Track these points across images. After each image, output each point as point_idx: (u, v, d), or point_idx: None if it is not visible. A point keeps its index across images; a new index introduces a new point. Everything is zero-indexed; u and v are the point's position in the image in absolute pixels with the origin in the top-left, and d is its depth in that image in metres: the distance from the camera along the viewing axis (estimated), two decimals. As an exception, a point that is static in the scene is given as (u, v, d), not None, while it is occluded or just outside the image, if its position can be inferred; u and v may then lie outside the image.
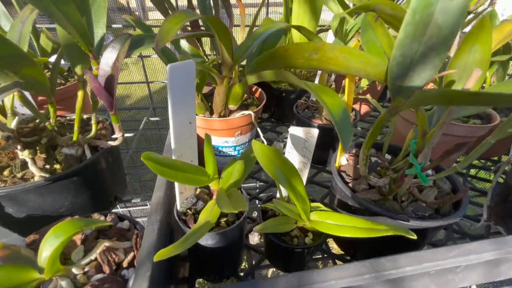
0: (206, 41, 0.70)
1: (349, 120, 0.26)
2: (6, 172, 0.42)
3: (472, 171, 0.77)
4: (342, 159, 0.47)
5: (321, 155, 0.65)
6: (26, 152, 0.42)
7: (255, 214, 0.96)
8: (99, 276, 0.30)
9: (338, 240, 0.48)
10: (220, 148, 0.57)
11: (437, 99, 0.19)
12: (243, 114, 0.52)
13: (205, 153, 0.34)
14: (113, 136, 0.50)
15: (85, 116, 0.57)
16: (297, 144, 0.41)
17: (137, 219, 0.40)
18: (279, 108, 0.83)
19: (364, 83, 0.62)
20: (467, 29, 0.65)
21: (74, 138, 0.46)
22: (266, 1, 0.85)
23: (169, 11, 0.65)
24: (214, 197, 0.37)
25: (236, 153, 0.59)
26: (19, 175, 0.42)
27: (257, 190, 0.61)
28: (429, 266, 0.30)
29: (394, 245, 0.39)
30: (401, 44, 0.23)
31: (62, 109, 0.66)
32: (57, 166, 0.44)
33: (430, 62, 0.23)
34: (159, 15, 0.67)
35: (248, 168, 0.40)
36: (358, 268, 0.28)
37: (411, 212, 0.37)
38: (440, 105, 0.26)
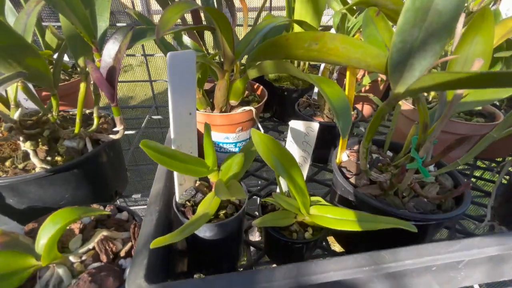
0: (209, 42, 0.70)
1: (348, 108, 0.25)
2: (7, 163, 0.42)
3: (477, 173, 0.76)
4: (343, 155, 0.47)
5: (322, 154, 0.65)
6: (28, 143, 0.42)
7: (256, 214, 0.96)
8: (96, 264, 0.30)
9: (338, 237, 0.48)
10: (220, 144, 0.57)
11: (443, 82, 0.19)
12: (244, 110, 0.52)
13: (205, 144, 0.34)
14: (114, 129, 0.51)
15: (87, 111, 0.58)
16: (297, 138, 0.41)
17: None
18: (281, 107, 0.83)
19: (366, 80, 0.62)
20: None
21: (76, 131, 0.46)
22: (269, 0, 0.86)
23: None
24: (213, 189, 0.37)
25: (237, 149, 0.58)
26: (20, 166, 0.42)
27: (258, 188, 0.61)
28: (430, 260, 0.29)
29: (395, 243, 0.39)
30: (401, 30, 0.23)
31: (65, 104, 0.66)
32: (59, 158, 0.44)
33: (431, 49, 0.23)
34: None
35: (248, 162, 0.40)
36: (357, 260, 0.28)
37: (412, 207, 0.37)
38: (443, 90, 0.26)
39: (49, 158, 0.44)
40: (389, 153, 0.49)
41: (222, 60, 0.47)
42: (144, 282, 0.25)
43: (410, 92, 0.23)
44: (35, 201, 0.43)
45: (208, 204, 0.34)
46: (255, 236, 0.54)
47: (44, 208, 0.44)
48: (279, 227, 0.40)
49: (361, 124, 0.87)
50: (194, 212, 0.36)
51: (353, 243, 0.45)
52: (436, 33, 0.22)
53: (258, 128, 0.58)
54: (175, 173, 0.36)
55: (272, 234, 0.38)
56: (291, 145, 0.42)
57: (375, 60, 0.28)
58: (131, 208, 0.40)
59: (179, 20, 0.61)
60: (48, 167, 0.42)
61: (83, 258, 0.31)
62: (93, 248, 0.32)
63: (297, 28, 0.65)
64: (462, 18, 0.29)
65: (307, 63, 0.76)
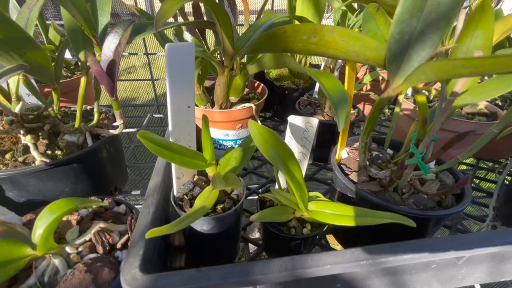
0: (211, 43, 0.70)
1: (346, 99, 0.25)
2: (8, 156, 0.42)
3: (481, 174, 0.75)
4: (342, 152, 0.47)
5: (322, 153, 0.65)
6: (28, 137, 0.43)
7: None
8: (92, 255, 0.30)
9: (338, 235, 0.48)
10: (220, 141, 0.57)
11: (443, 70, 0.18)
12: (243, 106, 0.52)
13: (203, 136, 0.34)
14: (114, 124, 0.51)
15: (89, 107, 0.58)
16: (296, 134, 0.41)
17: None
18: (281, 106, 0.83)
19: (367, 79, 0.62)
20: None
21: (76, 125, 0.46)
22: (271, 2, 0.87)
23: (178, 14, 0.66)
24: (211, 183, 0.36)
25: (236, 147, 0.58)
26: (20, 159, 0.42)
27: (257, 186, 0.61)
28: (429, 255, 0.29)
29: (395, 241, 0.38)
30: (399, 20, 0.23)
31: (67, 101, 0.67)
32: (58, 152, 0.45)
33: (429, 39, 0.23)
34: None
35: (246, 157, 0.40)
36: (355, 254, 0.28)
37: (412, 204, 0.36)
38: (442, 79, 0.25)
39: (49, 152, 0.44)
40: (390, 151, 0.49)
41: (221, 53, 0.47)
42: (139, 272, 0.25)
43: (408, 82, 0.23)
44: (34, 194, 0.43)
45: (206, 197, 0.34)
46: (255, 234, 0.54)
47: (43, 202, 0.44)
48: (277, 223, 0.39)
49: (362, 124, 0.87)
50: (191, 206, 0.36)
51: (353, 241, 0.45)
52: (434, 23, 0.22)
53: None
54: (173, 167, 0.36)
55: (270, 230, 0.38)
56: (290, 141, 0.41)
57: (374, 53, 0.28)
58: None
59: (181, 19, 0.61)
60: (48, 160, 0.42)
61: (80, 249, 0.31)
62: (90, 240, 0.32)
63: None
64: (462, 15, 0.29)
65: (308, 61, 0.76)
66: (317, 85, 0.70)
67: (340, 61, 0.63)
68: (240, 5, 0.74)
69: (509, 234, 0.31)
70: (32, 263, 0.28)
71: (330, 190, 0.51)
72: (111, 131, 0.49)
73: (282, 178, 0.45)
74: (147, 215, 0.32)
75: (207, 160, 0.35)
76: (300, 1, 0.60)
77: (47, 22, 0.69)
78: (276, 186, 0.45)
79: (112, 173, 0.53)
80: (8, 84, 0.43)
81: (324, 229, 0.52)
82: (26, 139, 0.43)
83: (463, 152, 0.37)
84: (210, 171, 0.37)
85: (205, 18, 0.56)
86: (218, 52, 0.62)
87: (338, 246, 0.52)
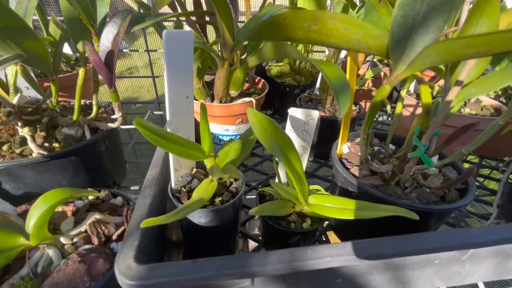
0: (212, 40, 0.70)
1: (348, 85, 0.25)
2: (5, 147, 0.42)
3: (485, 172, 0.74)
4: (344, 147, 0.46)
5: (323, 149, 0.64)
6: (26, 129, 0.42)
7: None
8: (87, 246, 0.29)
9: (338, 231, 0.47)
10: (220, 137, 0.57)
11: (449, 51, 0.18)
12: (244, 101, 0.51)
13: (201, 127, 0.33)
14: (113, 117, 0.50)
15: (88, 102, 0.57)
16: (296, 127, 0.40)
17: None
18: (282, 103, 0.83)
19: (369, 74, 0.61)
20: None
21: (74, 118, 0.46)
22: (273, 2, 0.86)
23: (178, 7, 0.66)
24: (209, 175, 0.36)
25: (236, 142, 0.58)
26: (17, 151, 0.42)
27: (257, 182, 0.60)
28: (431, 249, 0.28)
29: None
30: (402, 3, 0.22)
31: (67, 96, 0.66)
32: (56, 145, 0.44)
33: (434, 23, 0.22)
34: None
35: (246, 150, 0.39)
36: (356, 246, 0.27)
37: (414, 198, 0.36)
38: (448, 61, 0.25)
39: (46, 145, 0.43)
40: (392, 147, 0.48)
41: (222, 45, 0.46)
42: (134, 262, 0.24)
43: (412, 67, 0.22)
44: (31, 187, 0.43)
45: (204, 189, 0.33)
46: (255, 230, 0.53)
47: (40, 195, 0.44)
48: (276, 217, 0.39)
49: (363, 122, 0.86)
50: (189, 198, 0.35)
51: (354, 237, 0.44)
52: (439, 6, 0.22)
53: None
54: (171, 158, 0.35)
55: (270, 224, 0.37)
56: (290, 134, 0.41)
57: (376, 41, 0.27)
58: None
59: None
60: (45, 153, 0.42)
61: (75, 240, 0.30)
62: (85, 231, 0.31)
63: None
64: (466, 5, 0.29)
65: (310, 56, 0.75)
66: (318, 81, 0.69)
67: (341, 56, 0.63)
68: (242, 6, 0.73)
69: (514, 228, 0.30)
70: (26, 253, 0.28)
71: (331, 186, 0.50)
72: (110, 124, 0.48)
73: (282, 172, 0.44)
74: (144, 206, 0.31)
75: (206, 151, 0.35)
76: (302, -4, 0.59)
77: (48, 18, 0.68)
78: (276, 180, 0.44)
79: (110, 167, 0.52)
80: (6, 75, 0.43)
81: (325, 225, 0.52)
82: (24, 131, 0.42)
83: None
84: (209, 163, 0.36)
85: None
86: (219, 49, 0.61)
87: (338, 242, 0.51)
